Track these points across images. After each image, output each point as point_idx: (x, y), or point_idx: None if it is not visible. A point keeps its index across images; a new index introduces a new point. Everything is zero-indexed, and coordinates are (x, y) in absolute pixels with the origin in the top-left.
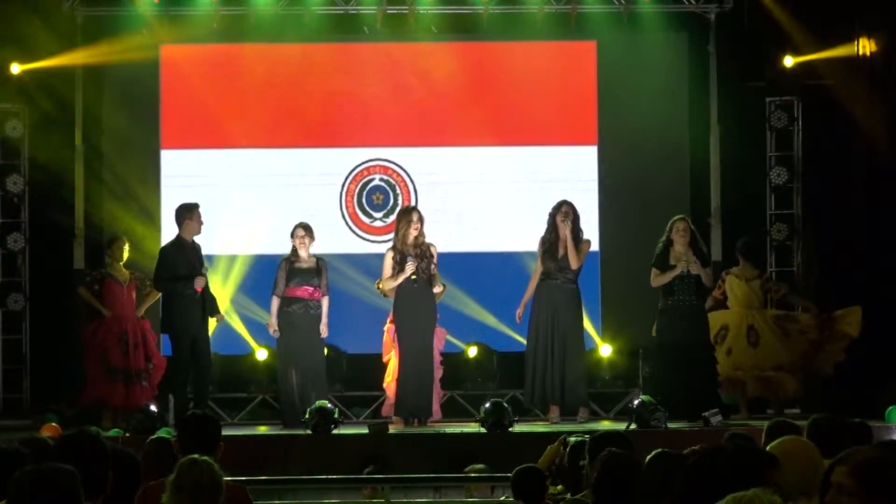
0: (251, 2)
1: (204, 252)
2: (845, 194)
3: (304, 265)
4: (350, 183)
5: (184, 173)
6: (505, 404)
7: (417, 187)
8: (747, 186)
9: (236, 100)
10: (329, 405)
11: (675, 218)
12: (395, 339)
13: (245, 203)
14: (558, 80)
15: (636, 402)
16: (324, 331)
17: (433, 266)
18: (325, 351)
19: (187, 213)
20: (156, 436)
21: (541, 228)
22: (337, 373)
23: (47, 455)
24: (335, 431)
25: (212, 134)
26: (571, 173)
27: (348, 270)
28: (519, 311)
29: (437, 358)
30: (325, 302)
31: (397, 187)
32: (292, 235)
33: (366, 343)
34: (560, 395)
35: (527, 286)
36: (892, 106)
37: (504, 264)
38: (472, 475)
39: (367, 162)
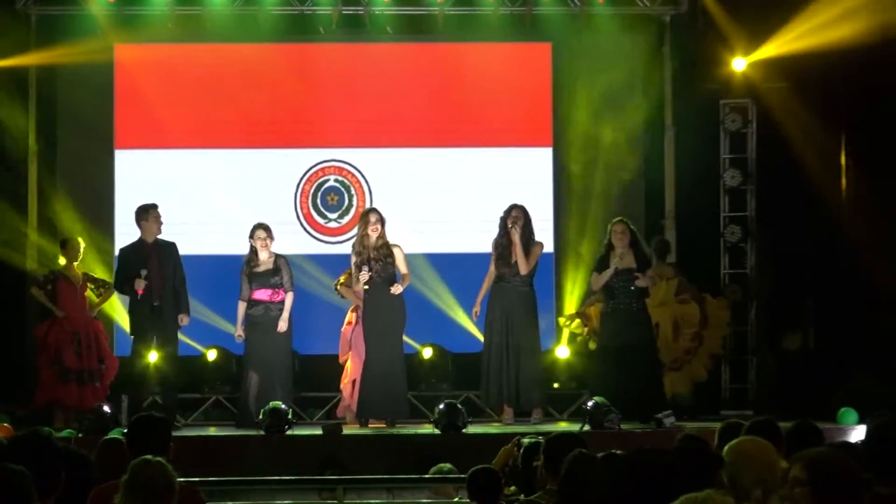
0: (206, 2)
1: None
2: (798, 196)
3: (262, 268)
4: (305, 184)
5: (138, 174)
6: (459, 405)
7: (372, 188)
8: (701, 188)
9: (191, 100)
10: (283, 406)
11: (614, 221)
12: (353, 341)
13: (199, 204)
14: (514, 81)
15: (590, 403)
16: (281, 325)
17: (397, 267)
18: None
19: (143, 215)
20: (109, 436)
21: (495, 230)
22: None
23: None
24: (289, 432)
25: (166, 134)
26: (526, 175)
27: (303, 271)
28: (475, 310)
29: None
30: (288, 298)
31: (352, 188)
32: (251, 237)
33: (320, 344)
34: (515, 397)
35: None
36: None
37: (459, 265)
38: (426, 476)
39: (322, 163)
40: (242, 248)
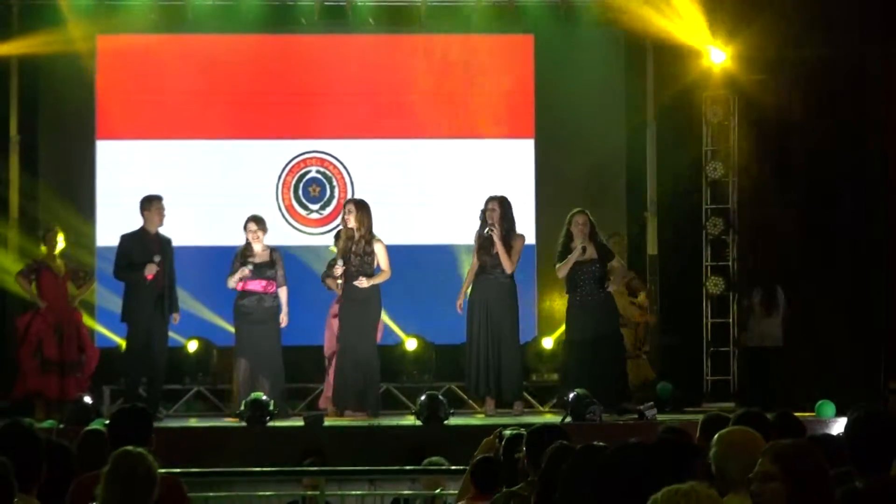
0: None
1: None
2: (780, 188)
3: (258, 259)
4: (287, 175)
5: (120, 164)
6: (441, 397)
7: (354, 180)
8: (683, 180)
9: (172, 91)
10: (264, 397)
11: (574, 211)
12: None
13: (181, 194)
14: (496, 73)
15: (571, 395)
16: (283, 320)
17: (375, 260)
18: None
19: (146, 205)
20: (90, 427)
21: (477, 221)
22: None
23: None
24: (270, 423)
25: (148, 125)
26: (508, 166)
27: (285, 262)
28: (459, 302)
29: None
30: (282, 292)
31: (334, 179)
32: (245, 229)
33: (301, 335)
34: (497, 388)
35: (464, 279)
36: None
37: (441, 257)
38: (408, 468)
39: (303, 154)
40: (224, 240)
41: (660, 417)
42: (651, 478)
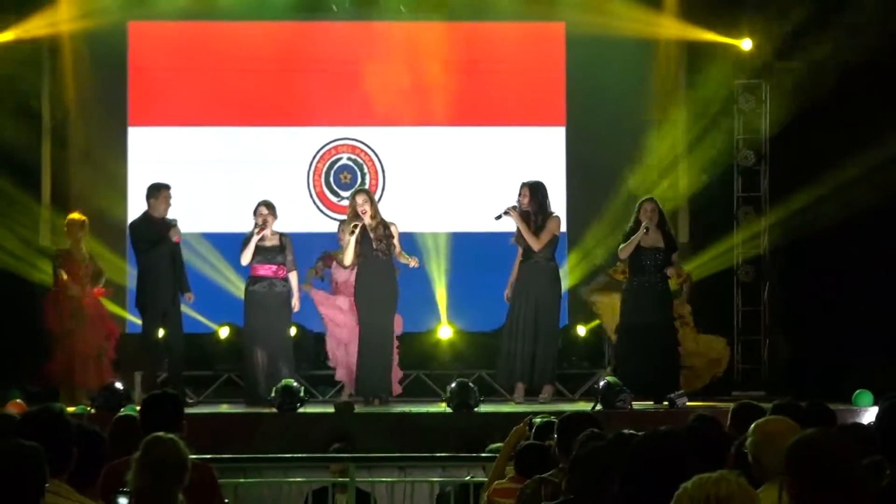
0: None
1: None
2: (812, 176)
3: (268, 243)
4: (318, 162)
5: (151, 150)
6: (471, 384)
7: (385, 167)
8: (715, 168)
9: (204, 78)
10: (295, 384)
11: (644, 198)
12: (326, 316)
13: (212, 181)
14: (527, 60)
15: (601, 383)
16: (295, 304)
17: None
18: (294, 330)
19: (153, 193)
20: (122, 413)
21: None
22: (303, 352)
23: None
24: (301, 410)
25: (180, 112)
26: (539, 155)
27: (314, 249)
28: (507, 292)
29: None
30: (293, 277)
31: (365, 167)
32: (255, 213)
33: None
34: (529, 373)
35: (512, 266)
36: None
37: (471, 244)
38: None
39: (334, 141)
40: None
41: (690, 405)
42: (681, 466)
